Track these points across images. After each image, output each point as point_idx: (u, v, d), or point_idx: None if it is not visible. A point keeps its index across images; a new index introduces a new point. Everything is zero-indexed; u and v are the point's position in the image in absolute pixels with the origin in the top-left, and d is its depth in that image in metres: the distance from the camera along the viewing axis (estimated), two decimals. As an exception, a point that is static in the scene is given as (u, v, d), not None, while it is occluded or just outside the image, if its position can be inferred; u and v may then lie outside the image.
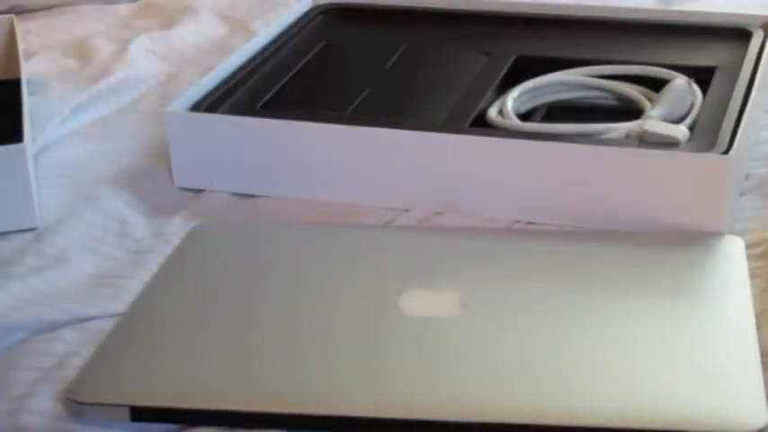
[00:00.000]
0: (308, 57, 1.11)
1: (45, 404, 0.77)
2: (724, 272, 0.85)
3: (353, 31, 1.17)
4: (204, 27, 1.33)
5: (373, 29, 1.18)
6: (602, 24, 1.14)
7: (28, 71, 1.08)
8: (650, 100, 1.00)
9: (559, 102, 1.04)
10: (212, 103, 1.02)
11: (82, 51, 1.28)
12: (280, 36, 1.15)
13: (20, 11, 1.36)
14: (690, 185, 0.89)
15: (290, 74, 1.08)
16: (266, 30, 1.15)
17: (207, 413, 0.74)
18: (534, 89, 1.03)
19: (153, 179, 1.02)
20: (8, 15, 1.21)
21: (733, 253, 0.87)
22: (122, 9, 1.41)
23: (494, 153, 0.92)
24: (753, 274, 0.85)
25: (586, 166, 0.91)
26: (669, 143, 0.91)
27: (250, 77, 1.07)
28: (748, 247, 0.88)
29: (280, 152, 0.97)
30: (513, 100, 1.00)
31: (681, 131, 0.92)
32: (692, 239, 0.89)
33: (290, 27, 1.17)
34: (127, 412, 0.75)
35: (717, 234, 0.89)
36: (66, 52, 1.28)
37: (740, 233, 0.89)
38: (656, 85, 1.02)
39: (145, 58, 1.25)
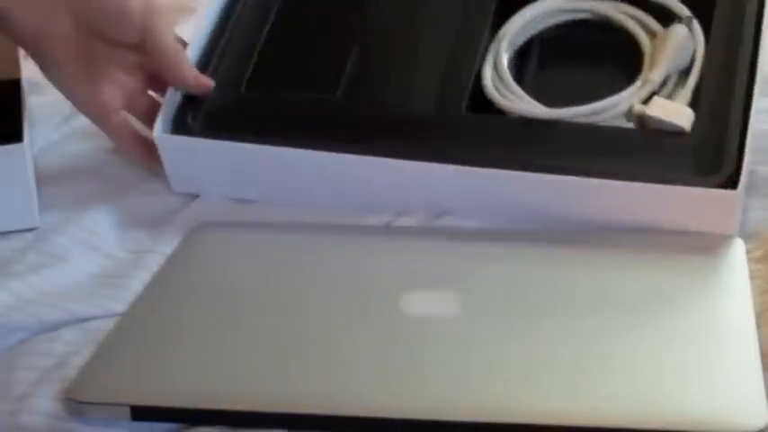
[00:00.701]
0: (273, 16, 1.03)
1: (45, 404, 0.77)
2: (724, 273, 0.85)
3: None
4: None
5: None
6: None
7: (28, 71, 1.07)
8: (650, 34, 0.96)
9: (556, 24, 1.00)
10: (195, 98, 0.97)
11: (82, 51, 1.27)
12: None
13: (20, 11, 1.35)
14: (698, 213, 0.88)
15: (263, 39, 1.01)
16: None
17: (207, 413, 0.74)
18: (526, 24, 0.99)
19: (153, 179, 1.01)
20: (8, 15, 1.21)
21: (733, 254, 0.86)
22: (122, 9, 1.41)
23: (492, 180, 0.90)
24: (753, 276, 0.85)
25: (591, 196, 0.89)
26: (673, 131, 0.89)
27: (224, 53, 1.00)
28: (748, 248, 0.88)
29: (277, 163, 0.95)
30: (506, 53, 0.96)
31: (686, 117, 0.89)
32: (692, 240, 0.88)
33: None
34: (127, 411, 0.75)
35: (717, 235, 0.89)
36: (65, 52, 1.27)
37: (741, 234, 0.89)
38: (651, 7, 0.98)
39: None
